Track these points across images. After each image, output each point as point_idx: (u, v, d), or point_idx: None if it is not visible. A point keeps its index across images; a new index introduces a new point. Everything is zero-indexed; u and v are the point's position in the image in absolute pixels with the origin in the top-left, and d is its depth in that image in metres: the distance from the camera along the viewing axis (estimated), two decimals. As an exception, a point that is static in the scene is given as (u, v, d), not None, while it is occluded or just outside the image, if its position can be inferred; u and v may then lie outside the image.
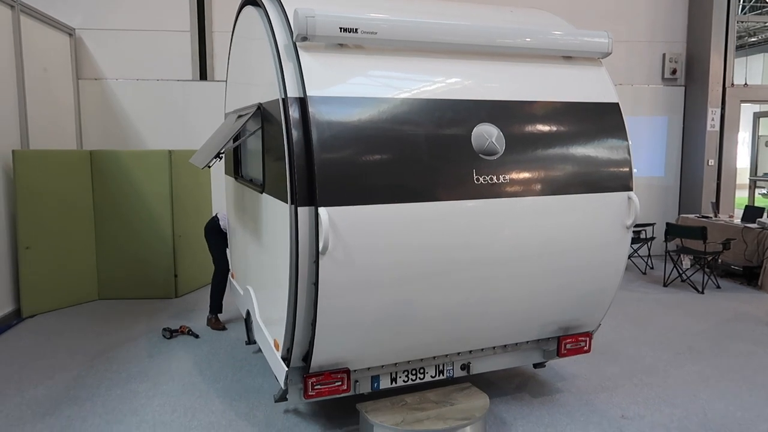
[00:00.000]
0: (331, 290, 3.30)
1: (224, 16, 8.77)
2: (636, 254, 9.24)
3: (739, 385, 4.88)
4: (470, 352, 4.08)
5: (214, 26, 8.86)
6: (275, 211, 3.69)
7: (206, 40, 8.83)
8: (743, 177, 12.99)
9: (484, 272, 3.69)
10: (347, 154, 3.29)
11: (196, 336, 5.94)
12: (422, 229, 3.43)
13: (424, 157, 3.44)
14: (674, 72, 10.15)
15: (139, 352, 5.52)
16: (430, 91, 3.58)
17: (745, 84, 10.20)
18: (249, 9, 4.38)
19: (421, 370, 4.01)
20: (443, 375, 4.08)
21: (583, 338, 4.36)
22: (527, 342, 4.26)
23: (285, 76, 3.36)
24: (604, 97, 4.07)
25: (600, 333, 5.75)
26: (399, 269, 3.44)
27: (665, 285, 8.28)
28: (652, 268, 9.34)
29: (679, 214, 10.07)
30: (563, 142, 3.86)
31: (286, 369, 3.59)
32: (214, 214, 6.30)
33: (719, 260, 8.39)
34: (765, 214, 8.50)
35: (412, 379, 3.98)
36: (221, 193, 7.50)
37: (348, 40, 3.44)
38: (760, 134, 13.01)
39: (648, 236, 9.28)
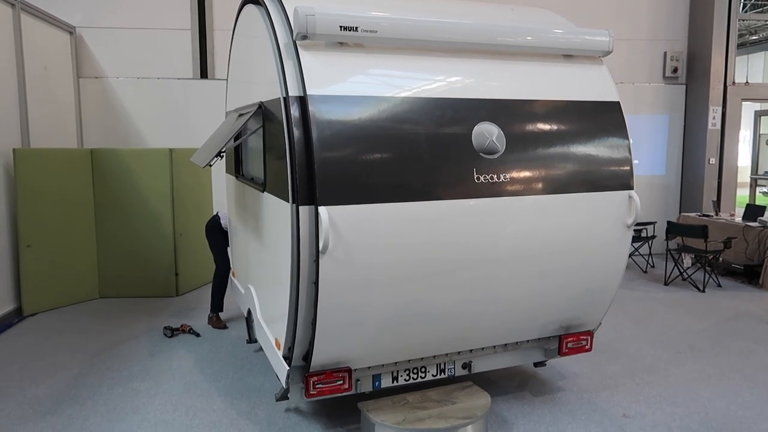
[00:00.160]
0: (331, 289, 3.29)
1: (225, 14, 8.76)
2: (637, 253, 9.24)
3: (740, 384, 4.88)
4: (471, 351, 4.08)
5: (215, 24, 8.85)
6: (276, 209, 3.69)
7: (207, 39, 8.82)
8: (744, 175, 13.00)
9: (485, 271, 3.69)
10: (347, 153, 3.28)
11: (197, 334, 5.94)
12: (423, 228, 3.43)
13: (425, 156, 3.44)
14: (675, 70, 10.13)
15: (140, 351, 5.53)
16: (431, 90, 3.58)
17: (746, 82, 10.18)
18: (250, 7, 4.37)
19: (423, 369, 4.01)
20: (445, 374, 4.08)
21: (584, 337, 4.36)
22: (528, 341, 4.26)
23: (286, 75, 3.35)
24: (605, 95, 4.06)
25: (601, 332, 5.75)
26: (399, 268, 3.43)
27: (666, 283, 8.28)
28: (653, 266, 9.34)
29: (680, 213, 10.06)
30: (564, 140, 3.85)
31: (288, 368, 3.59)
32: (215, 213, 6.30)
33: (720, 259, 8.38)
34: (766, 213, 8.49)
35: (413, 378, 3.98)
36: (222, 192, 7.51)
37: (348, 38, 3.43)
38: (761, 132, 13.01)
39: (649, 235, 9.27)
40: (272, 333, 3.99)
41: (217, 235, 6.07)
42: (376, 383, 3.89)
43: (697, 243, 8.15)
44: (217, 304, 6.20)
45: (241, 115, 4.44)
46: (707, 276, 8.13)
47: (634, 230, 6.37)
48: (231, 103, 5.49)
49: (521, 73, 3.91)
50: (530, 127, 3.78)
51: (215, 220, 6.10)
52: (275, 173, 3.67)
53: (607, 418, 4.28)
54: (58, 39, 7.99)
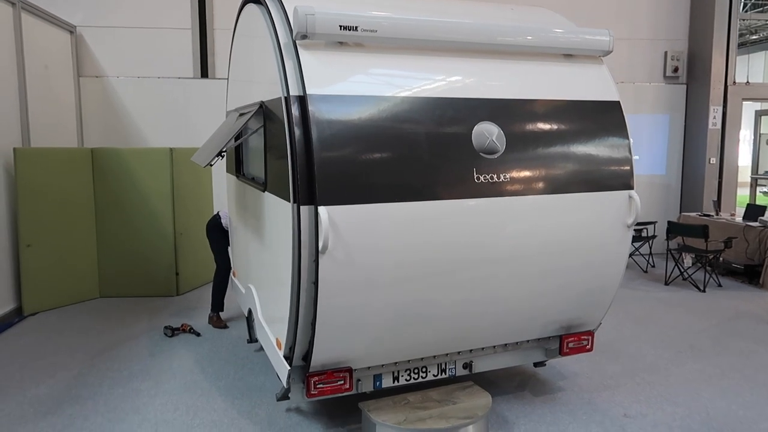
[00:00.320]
0: (331, 289, 3.29)
1: (225, 13, 8.76)
2: (637, 252, 9.23)
3: (740, 384, 4.88)
4: (471, 351, 4.08)
5: (216, 24, 8.85)
6: (277, 209, 3.68)
7: (207, 38, 8.82)
8: (745, 175, 13.01)
9: (485, 271, 3.69)
10: (347, 152, 3.28)
11: (198, 334, 5.94)
12: (423, 228, 3.43)
13: (425, 155, 3.43)
14: (676, 70, 10.13)
15: (140, 351, 5.53)
16: (431, 90, 3.57)
17: (747, 82, 10.18)
18: (250, 6, 4.37)
19: (424, 369, 4.00)
20: (445, 374, 4.08)
21: (585, 337, 4.36)
22: (529, 341, 4.26)
23: (287, 75, 3.35)
24: (605, 95, 4.06)
25: (601, 331, 5.75)
26: (399, 268, 3.43)
27: (666, 283, 8.28)
28: (653, 266, 9.33)
29: (680, 213, 10.05)
30: (564, 140, 3.85)
31: (289, 368, 3.59)
32: (215, 212, 6.30)
33: (721, 258, 8.37)
34: (766, 213, 8.49)
35: (414, 378, 3.98)
36: (222, 191, 7.52)
37: (348, 38, 3.43)
38: (761, 132, 13.01)
39: (649, 234, 9.26)
40: (273, 333, 3.99)
41: (218, 234, 6.07)
42: (377, 383, 3.89)
43: (698, 243, 8.15)
44: (217, 304, 6.20)
45: (241, 114, 4.43)
46: (708, 276, 8.13)
47: (635, 230, 6.37)
48: (231, 103, 5.49)
49: (521, 73, 3.90)
50: (530, 126, 3.78)
51: (216, 219, 6.10)
52: (276, 173, 3.67)
53: (608, 418, 4.28)
54: (58, 38, 7.99)
